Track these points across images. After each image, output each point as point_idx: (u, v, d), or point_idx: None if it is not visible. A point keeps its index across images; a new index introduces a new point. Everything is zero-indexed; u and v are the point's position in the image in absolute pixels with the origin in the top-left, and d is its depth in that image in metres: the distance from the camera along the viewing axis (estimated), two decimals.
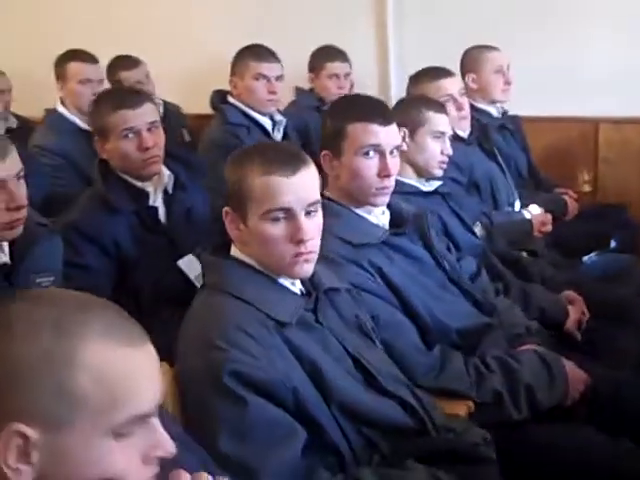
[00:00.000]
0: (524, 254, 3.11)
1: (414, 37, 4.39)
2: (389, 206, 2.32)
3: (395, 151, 2.25)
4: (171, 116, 4.43)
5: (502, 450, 1.96)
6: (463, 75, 3.72)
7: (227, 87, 3.77)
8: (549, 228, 3.33)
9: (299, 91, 4.21)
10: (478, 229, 2.94)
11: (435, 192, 2.79)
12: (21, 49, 4.77)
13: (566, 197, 3.75)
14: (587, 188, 4.03)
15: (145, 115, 2.59)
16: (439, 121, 2.72)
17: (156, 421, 1.08)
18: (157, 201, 2.62)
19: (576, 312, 2.67)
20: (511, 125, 3.81)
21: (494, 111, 3.76)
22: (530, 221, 3.28)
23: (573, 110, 4.16)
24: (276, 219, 1.70)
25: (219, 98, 3.70)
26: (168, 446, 1.07)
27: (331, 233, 2.12)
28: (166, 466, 1.14)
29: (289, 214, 1.71)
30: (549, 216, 3.35)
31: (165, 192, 2.66)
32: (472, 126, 3.43)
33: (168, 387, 1.62)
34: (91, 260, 2.48)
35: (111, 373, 1.03)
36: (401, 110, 2.77)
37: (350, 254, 2.13)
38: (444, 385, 2.09)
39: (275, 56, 3.69)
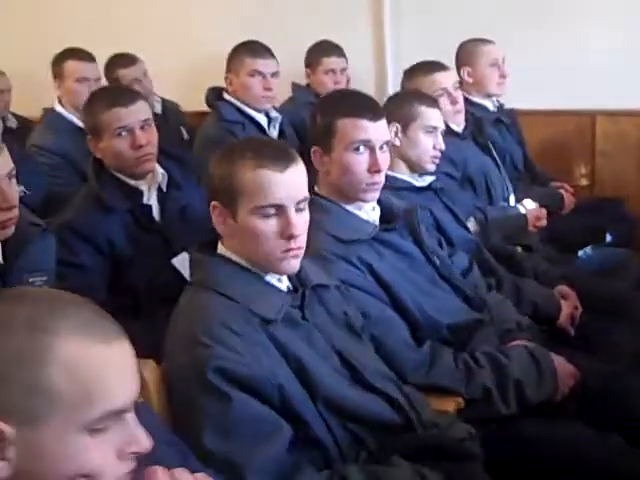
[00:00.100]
0: (519, 249, 3.12)
1: (411, 33, 4.40)
2: (379, 202, 2.33)
3: (385, 146, 2.26)
4: (169, 114, 4.46)
5: (490, 445, 1.97)
6: (458, 69, 3.73)
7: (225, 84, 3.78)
8: (544, 223, 3.33)
9: (296, 87, 4.22)
10: (472, 224, 2.95)
11: (428, 187, 2.80)
12: (21, 49, 4.78)
13: (562, 191, 3.75)
14: (584, 182, 4.03)
15: (138, 113, 2.61)
16: (431, 116, 2.73)
17: (131, 417, 1.10)
18: (151, 199, 2.63)
19: (569, 307, 2.68)
20: (507, 119, 3.81)
21: (489, 105, 3.76)
22: (525, 216, 3.28)
23: (570, 103, 4.17)
24: (267, 215, 1.72)
25: (214, 95, 3.71)
26: (143, 442, 1.09)
27: (321, 229, 2.14)
28: (146, 462, 1.16)
29: (280, 210, 1.72)
30: (544, 211, 3.35)
31: (159, 190, 2.67)
32: (467, 120, 3.43)
33: (155, 384, 1.64)
34: (85, 259, 2.49)
35: (85, 369, 1.05)
36: (393, 105, 2.78)
37: (340, 250, 2.15)
38: (434, 381, 2.10)
39: (270, 52, 3.70)
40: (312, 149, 2.27)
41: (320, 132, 2.25)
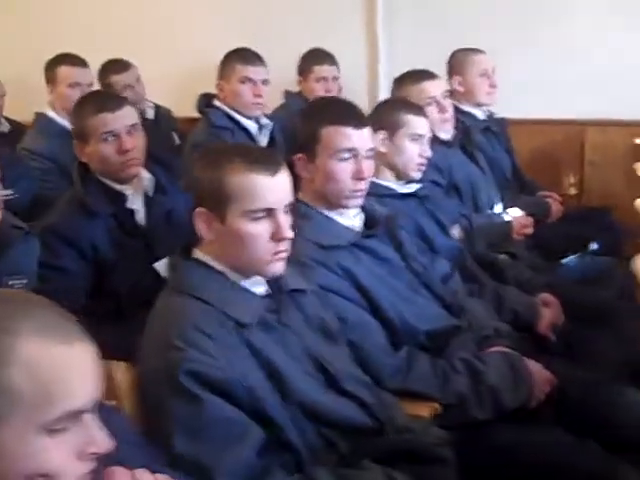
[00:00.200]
0: (503, 256, 3.13)
1: (403, 43, 4.44)
2: (363, 208, 2.35)
3: (369, 154, 2.28)
4: (162, 119, 4.50)
5: (466, 451, 1.99)
6: (449, 78, 3.77)
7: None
8: (530, 231, 3.35)
9: (288, 94, 4.24)
10: (457, 231, 2.97)
11: (413, 195, 2.82)
12: (15, 54, 4.82)
13: (549, 200, 3.77)
14: (572, 191, 4.06)
15: (125, 118, 2.63)
16: (417, 124, 2.75)
17: (92, 418, 1.11)
18: (137, 204, 2.65)
19: (551, 314, 2.69)
20: (496, 127, 3.84)
21: (479, 113, 3.79)
22: (510, 223, 3.30)
23: (559, 113, 4.21)
24: (258, 218, 1.74)
25: (205, 101, 3.74)
26: (103, 443, 1.11)
27: (301, 235, 2.15)
28: (110, 463, 1.18)
29: (270, 213, 1.75)
30: (530, 219, 3.37)
31: (146, 195, 2.69)
32: (456, 128, 3.46)
33: (128, 387, 1.66)
34: (68, 263, 2.51)
35: (46, 370, 1.07)
36: (380, 113, 2.81)
37: (319, 256, 2.16)
38: (410, 386, 2.12)
39: (261, 60, 3.72)
40: (296, 156, 2.29)
41: (304, 139, 2.27)
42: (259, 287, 1.82)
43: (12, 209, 2.37)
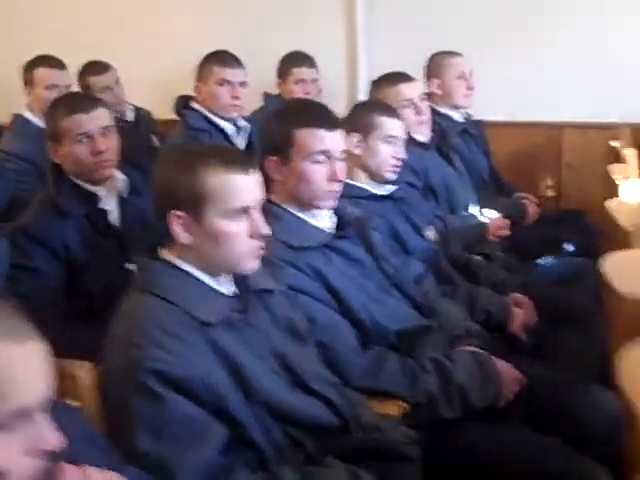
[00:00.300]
0: (478, 257, 3.15)
1: (383, 43, 4.46)
2: (334, 210, 2.36)
3: (342, 155, 2.29)
4: (142, 121, 4.50)
5: (433, 449, 2.00)
6: (427, 80, 3.79)
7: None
8: (506, 232, 3.37)
9: (267, 96, 4.25)
10: (432, 233, 2.98)
11: (388, 196, 2.83)
12: None
13: (526, 202, 3.80)
14: (550, 193, 4.09)
15: (99, 119, 2.63)
16: (391, 125, 2.76)
17: (42, 415, 1.11)
18: (110, 205, 2.65)
19: (523, 315, 2.71)
20: (474, 130, 3.87)
21: (457, 116, 3.82)
22: (485, 225, 3.31)
23: (538, 116, 4.24)
24: (237, 217, 1.76)
25: (183, 103, 3.74)
26: (53, 440, 1.11)
27: (272, 236, 2.16)
28: (62, 460, 1.18)
29: (247, 212, 1.77)
30: (506, 221, 3.39)
31: (120, 197, 2.69)
32: (433, 131, 3.47)
33: (91, 386, 1.66)
34: (40, 263, 2.51)
35: None
36: (354, 115, 2.83)
37: (289, 257, 2.17)
38: (379, 386, 2.12)
39: (239, 62, 3.73)
40: (268, 158, 2.29)
41: (277, 142, 2.27)
42: (226, 287, 1.82)
43: None
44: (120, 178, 2.70)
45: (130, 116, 4.44)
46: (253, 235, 1.79)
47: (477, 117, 3.99)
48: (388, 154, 2.76)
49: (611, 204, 2.64)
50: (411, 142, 3.25)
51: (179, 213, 1.76)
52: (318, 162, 2.23)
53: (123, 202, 2.68)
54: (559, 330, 2.71)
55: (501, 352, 2.38)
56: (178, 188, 1.77)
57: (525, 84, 4.25)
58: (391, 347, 2.25)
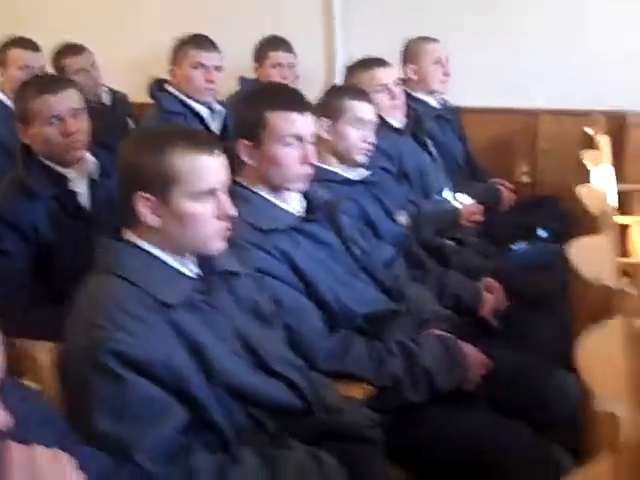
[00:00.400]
0: (450, 242, 3.16)
1: (361, 28, 4.44)
2: (304, 193, 2.36)
3: (313, 138, 2.29)
4: (118, 104, 4.47)
5: (399, 432, 2.01)
6: (404, 66, 3.79)
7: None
8: (479, 218, 3.38)
9: (244, 80, 4.22)
10: (404, 217, 2.98)
11: (360, 181, 2.83)
12: None
13: (501, 187, 3.81)
14: (525, 179, 4.10)
15: (69, 100, 2.61)
16: (360, 109, 2.76)
17: None
18: (80, 187, 2.64)
19: (494, 299, 2.72)
20: (449, 115, 3.87)
21: (433, 101, 3.82)
22: (458, 210, 3.32)
23: (514, 102, 4.23)
24: (204, 198, 1.76)
25: (157, 86, 3.71)
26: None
27: (239, 218, 2.16)
28: (12, 439, 1.18)
29: (214, 193, 1.78)
30: (479, 206, 3.40)
31: (91, 179, 2.68)
32: (408, 116, 3.47)
33: (51, 366, 1.65)
34: (9, 245, 2.50)
35: None
36: (324, 100, 2.83)
37: (257, 239, 2.17)
38: (345, 369, 2.13)
39: (215, 46, 3.70)
40: (239, 141, 2.28)
41: (248, 125, 2.27)
42: (190, 268, 1.82)
43: None
44: (90, 160, 2.68)
45: (106, 99, 4.41)
46: (219, 216, 1.79)
47: (453, 103, 3.99)
48: (357, 138, 2.76)
49: (581, 190, 2.64)
50: (386, 127, 3.25)
51: (145, 195, 1.75)
52: (290, 145, 2.24)
53: (93, 184, 2.67)
54: (529, 315, 2.73)
55: (470, 336, 2.39)
56: (144, 169, 1.76)
57: (501, 70, 4.25)
58: (359, 330, 2.25)
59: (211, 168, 1.78)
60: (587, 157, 3.06)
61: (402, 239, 2.82)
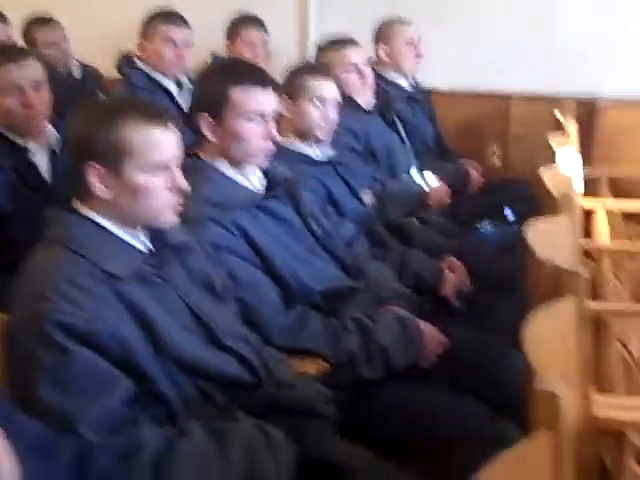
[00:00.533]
0: (415, 221, 3.16)
1: (334, 7, 4.42)
2: (264, 170, 2.35)
3: (275, 115, 2.28)
4: (88, 78, 4.42)
5: (356, 409, 2.02)
6: (376, 46, 3.78)
7: None
8: (446, 199, 3.38)
9: (215, 57, 4.19)
10: (368, 196, 2.98)
11: (326, 161, 2.82)
12: None
13: (470, 169, 3.81)
14: (497, 163, 4.10)
15: (31, 72, 2.59)
16: (321, 87, 2.76)
17: None
18: (40, 159, 2.62)
19: (455, 279, 2.72)
20: (420, 97, 3.86)
21: (404, 82, 3.82)
22: (425, 190, 3.32)
23: (487, 85, 4.23)
24: (156, 171, 1.74)
25: (125, 61, 3.68)
26: None
27: (198, 193, 2.15)
28: None
29: (167, 166, 1.76)
30: (446, 187, 3.41)
31: (52, 151, 2.66)
32: (377, 96, 3.47)
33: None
34: None
35: None
36: (287, 78, 2.82)
37: (214, 214, 2.15)
38: (301, 345, 2.13)
39: (185, 21, 3.68)
40: (199, 115, 2.27)
41: (210, 99, 2.26)
42: (142, 241, 1.81)
43: None
44: (52, 132, 2.66)
45: (76, 72, 4.38)
46: (172, 190, 1.77)
47: (425, 85, 3.99)
48: (318, 117, 2.75)
49: (544, 172, 2.65)
50: (353, 107, 3.25)
51: (97, 166, 1.73)
52: (252, 121, 2.22)
53: (54, 156, 2.65)
54: (490, 295, 2.73)
55: (430, 315, 2.40)
56: (97, 141, 1.73)
57: (473, 54, 4.24)
58: (316, 307, 2.25)
59: (165, 141, 1.76)
60: (554, 140, 3.07)
61: (365, 218, 2.82)
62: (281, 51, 4.32)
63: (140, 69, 3.64)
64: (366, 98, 3.37)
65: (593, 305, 2.18)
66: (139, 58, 3.67)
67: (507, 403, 2.09)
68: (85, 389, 1.57)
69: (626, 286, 3.11)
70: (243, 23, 4.14)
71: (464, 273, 2.76)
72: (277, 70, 2.83)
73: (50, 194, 2.57)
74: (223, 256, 2.10)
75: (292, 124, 2.74)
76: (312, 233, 2.39)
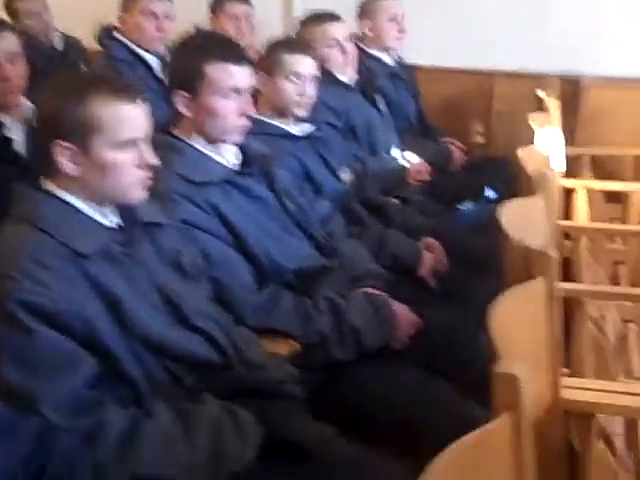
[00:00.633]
0: (394, 200, 3.15)
1: None
2: (240, 146, 2.33)
3: (250, 90, 2.27)
4: (71, 50, 4.38)
5: (328, 390, 2.02)
6: (359, 21, 3.76)
7: None
8: (425, 177, 3.37)
9: (198, 30, 4.15)
10: (347, 174, 2.96)
11: (303, 136, 2.80)
12: None
13: (452, 147, 3.80)
14: (479, 140, 4.09)
15: (6, 44, 2.56)
16: (298, 63, 2.73)
17: None
18: (16, 132, 2.60)
19: (433, 259, 2.72)
20: (403, 73, 3.84)
21: (387, 58, 3.80)
22: (405, 168, 3.31)
23: (470, 63, 4.21)
24: (125, 147, 1.72)
25: (105, 34, 3.64)
26: None
27: (171, 170, 2.14)
28: None
29: (136, 142, 1.74)
30: (426, 164, 3.39)
31: (28, 125, 2.63)
32: (360, 72, 3.45)
33: None
34: None
35: None
36: (264, 54, 2.80)
37: (187, 191, 2.14)
38: (272, 324, 2.12)
39: None
40: (174, 92, 2.25)
41: (184, 75, 2.24)
42: (110, 219, 1.79)
43: None
44: (27, 106, 2.63)
45: (58, 44, 4.33)
46: (140, 165, 1.75)
47: (408, 61, 3.97)
48: (294, 92, 2.73)
49: (522, 151, 2.64)
50: (334, 82, 3.23)
51: (65, 144, 1.71)
52: (227, 97, 2.21)
53: (30, 131, 2.62)
54: (469, 275, 2.73)
55: (405, 295, 2.39)
56: (64, 117, 1.71)
57: (457, 30, 4.23)
58: (289, 286, 2.24)
59: (134, 117, 1.74)
60: (534, 119, 3.06)
61: (342, 195, 2.81)
62: (265, 25, 4.28)
63: (120, 41, 3.59)
64: (348, 74, 3.35)
65: (563, 286, 2.18)
66: (119, 31, 3.63)
67: (476, 384, 2.09)
68: (49, 369, 1.56)
69: (604, 267, 3.12)
70: None
71: (442, 253, 2.76)
72: (261, 44, 2.80)
73: (26, 169, 2.55)
74: (196, 234, 2.09)
75: (270, 100, 2.72)
76: (286, 211, 2.37)
